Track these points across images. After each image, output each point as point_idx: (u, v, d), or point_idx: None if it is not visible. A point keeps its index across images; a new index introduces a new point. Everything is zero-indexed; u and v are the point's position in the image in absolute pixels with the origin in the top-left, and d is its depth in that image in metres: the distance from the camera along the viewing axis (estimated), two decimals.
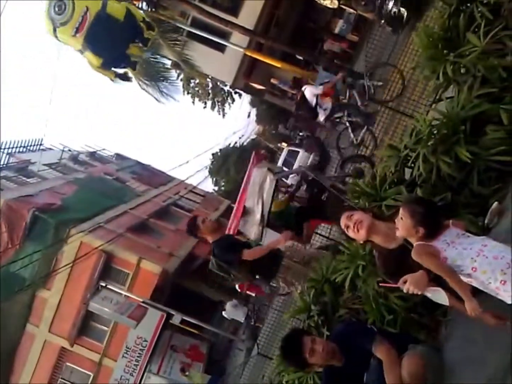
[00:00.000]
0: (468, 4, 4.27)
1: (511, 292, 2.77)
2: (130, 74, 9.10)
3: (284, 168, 21.32)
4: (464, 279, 2.98)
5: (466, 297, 2.98)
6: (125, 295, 15.62)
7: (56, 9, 7.47)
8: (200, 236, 6.01)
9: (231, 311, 14.35)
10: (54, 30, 7.72)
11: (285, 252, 6.09)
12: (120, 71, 8.77)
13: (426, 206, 3.16)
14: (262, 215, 6.59)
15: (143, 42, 8.36)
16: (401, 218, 3.15)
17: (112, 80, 8.72)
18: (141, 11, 9.28)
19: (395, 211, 3.32)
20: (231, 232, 7.10)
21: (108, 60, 8.22)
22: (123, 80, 8.76)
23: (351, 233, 3.55)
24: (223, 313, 14.79)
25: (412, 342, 3.60)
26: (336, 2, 16.11)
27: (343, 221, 3.59)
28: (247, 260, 5.65)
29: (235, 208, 7.71)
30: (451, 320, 3.74)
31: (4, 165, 20.96)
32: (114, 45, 8.13)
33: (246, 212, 7.06)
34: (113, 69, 8.68)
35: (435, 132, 4.02)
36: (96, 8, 7.58)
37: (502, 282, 2.79)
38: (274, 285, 6.48)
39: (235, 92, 33.70)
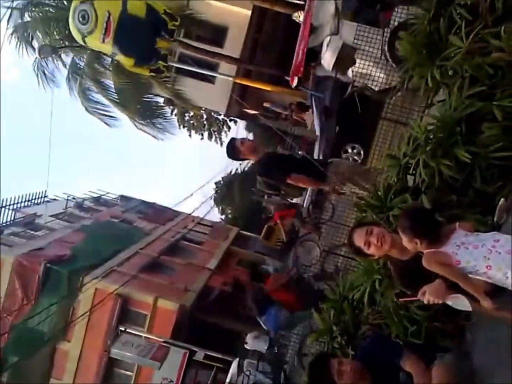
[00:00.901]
0: (446, 8, 4.32)
1: None
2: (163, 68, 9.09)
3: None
4: (481, 278, 2.95)
5: (480, 297, 2.96)
6: (145, 337, 15.48)
7: (80, 19, 7.58)
8: (243, 158, 5.91)
9: (253, 342, 14.14)
10: (83, 39, 7.84)
11: None
12: (154, 66, 8.78)
13: (413, 217, 3.14)
14: (336, 7, 6.38)
15: (168, 34, 8.42)
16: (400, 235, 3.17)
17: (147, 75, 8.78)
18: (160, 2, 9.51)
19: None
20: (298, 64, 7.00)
21: (140, 58, 8.29)
22: (157, 73, 8.84)
23: (372, 249, 3.41)
24: (245, 345, 14.60)
25: (439, 351, 3.53)
26: None
27: (361, 238, 3.43)
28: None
29: (301, 30, 7.68)
30: (475, 324, 3.68)
31: (11, 222, 21.08)
32: (142, 43, 8.20)
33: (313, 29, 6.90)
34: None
35: (431, 136, 4.03)
36: (118, 11, 7.62)
37: None
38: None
39: (230, 120, 34.01)
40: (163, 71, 8.72)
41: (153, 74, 8.62)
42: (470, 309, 3.18)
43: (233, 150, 5.79)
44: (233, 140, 5.97)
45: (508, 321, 3.02)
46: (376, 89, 7.46)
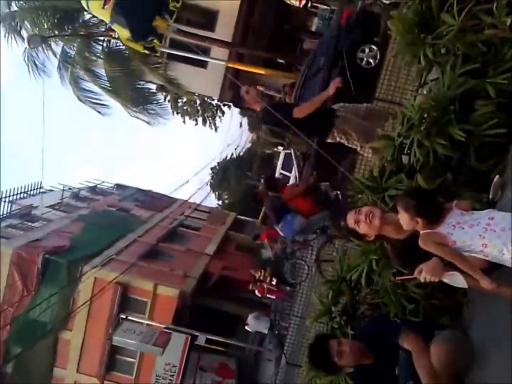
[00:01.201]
0: None
1: None
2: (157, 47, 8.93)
3: (284, 172, 21.39)
4: (478, 255, 2.99)
5: (477, 276, 3.00)
6: (146, 324, 15.58)
7: None
8: (248, 107, 6.00)
9: (254, 323, 14.29)
10: (87, 2, 7.76)
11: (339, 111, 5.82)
12: (149, 44, 8.65)
13: (418, 196, 3.17)
14: None
15: (169, 14, 8.35)
16: (400, 214, 3.18)
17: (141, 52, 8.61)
18: None
19: (397, 202, 3.33)
20: None
21: (136, 32, 8.23)
22: (151, 52, 8.74)
23: (363, 227, 3.45)
24: (246, 327, 14.74)
25: (437, 328, 3.58)
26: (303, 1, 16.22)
27: (351, 218, 3.51)
28: (299, 119, 5.52)
29: None
30: (472, 300, 3.72)
31: (8, 214, 21.04)
32: (141, 17, 8.14)
33: None
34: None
35: (425, 116, 4.02)
36: None
37: None
38: None
39: (224, 105, 33.84)
40: (157, 52, 8.61)
41: (146, 51, 8.49)
42: (466, 286, 3.21)
43: (238, 99, 5.87)
44: (238, 88, 6.02)
45: (506, 296, 3.05)
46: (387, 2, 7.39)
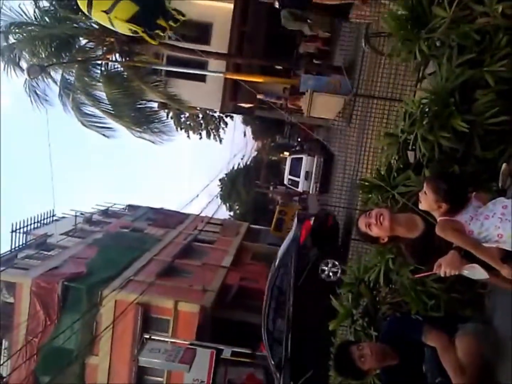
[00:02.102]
0: None
1: None
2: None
3: (292, 177, 21.39)
4: (493, 245, 2.97)
5: (496, 265, 2.97)
6: (171, 342, 15.58)
7: None
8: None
9: None
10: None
11: None
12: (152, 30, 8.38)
13: (450, 182, 3.15)
14: None
15: (173, 20, 8.19)
16: (425, 193, 3.16)
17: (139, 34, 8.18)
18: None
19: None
20: None
21: (143, 12, 7.95)
22: (151, 38, 8.37)
23: (374, 229, 3.43)
24: None
25: (460, 321, 3.56)
26: None
27: (362, 221, 3.49)
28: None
29: None
30: (493, 290, 3.70)
31: (23, 245, 21.23)
32: (152, 3, 7.92)
33: None
34: None
35: (426, 110, 4.03)
36: None
37: None
38: None
39: (226, 116, 33.99)
40: (155, 39, 8.25)
41: (145, 35, 8.12)
42: (486, 277, 3.19)
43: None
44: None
45: None
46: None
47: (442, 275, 3.16)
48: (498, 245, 2.93)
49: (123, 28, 7.61)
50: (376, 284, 4.49)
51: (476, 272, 3.13)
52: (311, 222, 9.93)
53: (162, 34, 7.80)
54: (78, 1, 7.45)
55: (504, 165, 3.73)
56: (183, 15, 8.14)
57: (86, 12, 7.54)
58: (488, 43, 3.88)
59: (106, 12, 7.38)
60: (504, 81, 3.80)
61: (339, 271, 8.50)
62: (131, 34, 7.65)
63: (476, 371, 3.19)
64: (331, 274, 8.89)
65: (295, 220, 11.02)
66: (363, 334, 4.39)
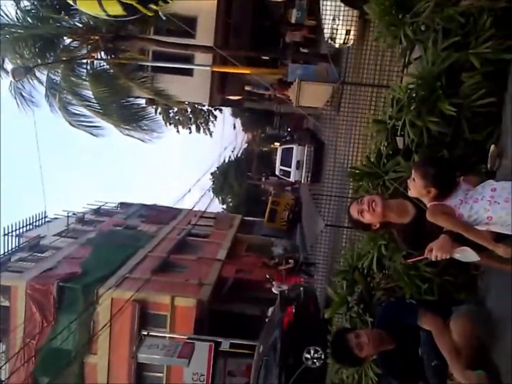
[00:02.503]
0: None
1: None
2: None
3: (284, 168, 21.38)
4: (483, 227, 2.99)
5: (490, 245, 2.99)
6: (169, 337, 15.61)
7: None
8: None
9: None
10: None
11: None
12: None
13: (438, 166, 3.16)
14: None
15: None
16: (413, 179, 3.17)
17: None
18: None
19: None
20: None
21: None
22: (146, 8, 8.01)
23: (367, 216, 3.42)
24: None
25: (454, 304, 3.59)
26: None
27: (355, 208, 3.47)
28: None
29: None
30: (485, 272, 3.72)
31: (17, 248, 21.09)
32: None
33: None
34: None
35: (414, 95, 4.03)
36: None
37: None
38: None
39: (215, 109, 33.88)
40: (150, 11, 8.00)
41: (140, 6, 7.87)
42: (478, 259, 3.21)
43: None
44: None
45: None
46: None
47: (434, 259, 3.17)
48: (488, 227, 2.95)
49: (114, 7, 7.37)
50: (369, 270, 4.51)
51: (467, 255, 3.15)
52: (292, 309, 10.11)
53: (155, 7, 7.60)
54: None
55: (492, 146, 3.75)
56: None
57: (71, 2, 7.38)
58: (473, 26, 3.88)
59: None
60: (489, 63, 3.81)
61: (322, 355, 8.64)
62: (121, 15, 7.42)
63: (471, 352, 3.22)
64: (315, 360, 9.00)
65: (278, 303, 11.17)
66: (359, 321, 4.41)
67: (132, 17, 8.36)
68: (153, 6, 7.56)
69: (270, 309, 14.58)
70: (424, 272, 3.98)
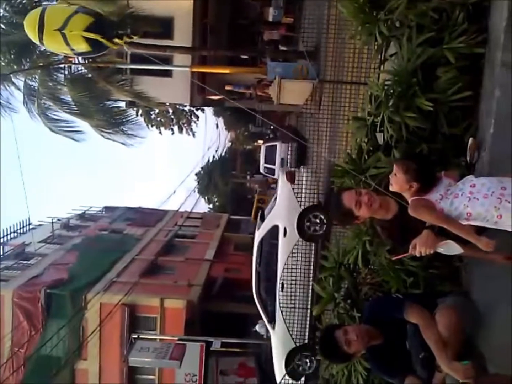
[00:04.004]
0: None
1: (510, 221, 2.83)
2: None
3: (268, 165, 21.40)
4: (464, 222, 3.04)
5: (472, 239, 3.03)
6: (159, 339, 15.57)
7: None
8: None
9: (264, 331, 14.20)
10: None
11: None
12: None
13: (419, 161, 3.21)
14: None
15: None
16: (395, 174, 3.20)
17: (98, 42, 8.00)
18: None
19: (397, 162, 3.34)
20: None
21: (98, 23, 7.88)
22: (111, 43, 8.15)
23: (363, 209, 3.37)
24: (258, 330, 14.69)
25: (440, 296, 3.63)
26: None
27: (352, 199, 3.38)
28: None
29: None
30: (468, 263, 3.78)
31: (1, 256, 20.86)
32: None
33: None
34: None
35: (391, 92, 4.07)
36: None
37: (499, 216, 2.86)
38: None
39: (197, 109, 33.76)
40: (115, 45, 8.16)
41: (105, 40, 8.00)
42: (461, 251, 3.26)
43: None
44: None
45: (498, 262, 3.10)
46: None
47: (418, 255, 3.21)
48: (468, 223, 3.00)
49: (79, 41, 7.50)
50: (355, 266, 4.55)
51: (450, 248, 3.20)
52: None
53: (120, 41, 7.73)
54: (29, 34, 7.33)
55: (471, 139, 3.81)
56: (136, 35, 8.11)
57: (37, 42, 7.46)
58: (446, 21, 3.92)
59: (60, 29, 7.30)
60: (464, 57, 3.86)
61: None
62: (88, 51, 7.55)
63: (457, 343, 3.27)
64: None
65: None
66: (347, 316, 4.45)
67: (98, 54, 8.58)
68: (118, 41, 7.68)
69: (258, 326, 14.57)
70: (409, 266, 4.03)
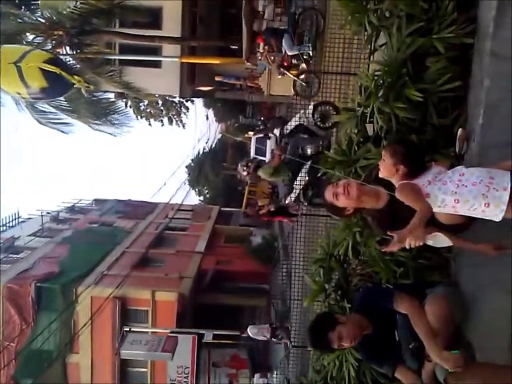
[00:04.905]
0: None
1: (498, 211, 2.84)
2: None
3: (258, 157, 21.35)
4: (450, 211, 3.05)
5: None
6: (151, 332, 15.57)
7: None
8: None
9: (255, 334, 14.13)
10: None
11: None
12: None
13: (407, 145, 3.27)
14: None
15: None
16: (383, 160, 3.24)
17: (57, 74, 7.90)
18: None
19: (385, 147, 3.37)
20: None
21: (57, 60, 7.77)
22: (71, 76, 8.03)
23: (342, 199, 3.40)
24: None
25: (429, 286, 3.65)
26: None
27: (330, 191, 3.44)
28: None
29: None
30: (457, 253, 3.80)
31: None
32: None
33: None
34: None
35: (381, 82, 4.05)
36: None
37: (486, 205, 2.87)
38: None
39: (187, 101, 33.56)
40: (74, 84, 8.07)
41: (63, 73, 7.87)
42: (449, 243, 3.28)
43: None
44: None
45: (491, 254, 3.13)
46: None
47: (408, 247, 3.22)
48: (455, 210, 3.00)
49: (35, 75, 7.30)
50: (346, 257, 4.56)
51: (439, 240, 3.22)
52: None
53: (80, 79, 7.58)
54: None
55: (460, 130, 3.81)
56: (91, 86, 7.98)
57: None
58: (435, 11, 3.90)
59: (15, 62, 7.11)
60: (453, 47, 3.85)
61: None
62: (43, 87, 7.36)
63: (447, 333, 3.29)
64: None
65: None
66: (337, 307, 4.46)
67: (52, 96, 8.47)
68: (78, 78, 7.53)
69: (249, 329, 14.45)
70: (399, 256, 4.04)
